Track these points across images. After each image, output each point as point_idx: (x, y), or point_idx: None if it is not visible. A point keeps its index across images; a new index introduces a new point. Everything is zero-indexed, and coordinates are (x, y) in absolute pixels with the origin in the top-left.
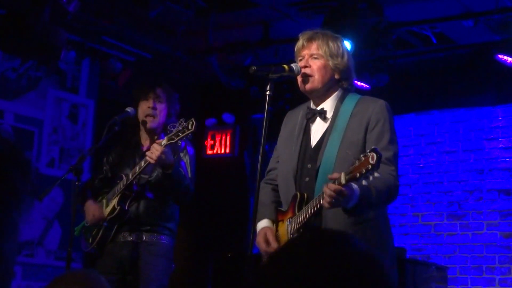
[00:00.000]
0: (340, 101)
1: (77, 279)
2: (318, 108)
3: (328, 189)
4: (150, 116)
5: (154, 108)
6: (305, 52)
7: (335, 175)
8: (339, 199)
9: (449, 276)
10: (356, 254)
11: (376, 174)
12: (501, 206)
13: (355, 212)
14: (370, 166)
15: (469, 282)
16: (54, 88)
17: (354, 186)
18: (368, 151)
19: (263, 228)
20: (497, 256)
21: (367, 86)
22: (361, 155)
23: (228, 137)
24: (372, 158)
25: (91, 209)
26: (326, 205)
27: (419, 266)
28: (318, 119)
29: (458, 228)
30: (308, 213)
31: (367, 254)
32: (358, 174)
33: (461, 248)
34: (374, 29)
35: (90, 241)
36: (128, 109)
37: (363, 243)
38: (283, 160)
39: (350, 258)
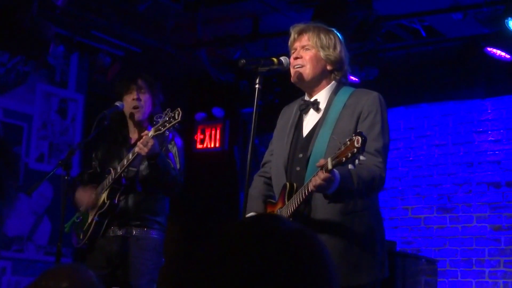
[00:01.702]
0: (334, 92)
1: (65, 273)
2: (312, 99)
3: (318, 177)
4: (136, 108)
5: (138, 99)
6: (297, 45)
7: (322, 161)
8: (326, 185)
9: (439, 269)
10: (283, 232)
11: (361, 158)
12: (491, 199)
13: (335, 198)
14: (355, 150)
15: (459, 275)
16: (43, 82)
17: (335, 171)
18: (353, 135)
19: None
20: (487, 249)
21: (357, 79)
22: (347, 140)
23: (218, 131)
24: (357, 141)
25: (85, 195)
26: (312, 187)
27: (409, 259)
28: (311, 110)
29: (447, 221)
30: (297, 201)
31: (296, 231)
32: (344, 159)
33: (451, 241)
34: (363, 22)
35: (81, 237)
36: (117, 103)
37: (293, 222)
38: (276, 152)
39: (276, 237)
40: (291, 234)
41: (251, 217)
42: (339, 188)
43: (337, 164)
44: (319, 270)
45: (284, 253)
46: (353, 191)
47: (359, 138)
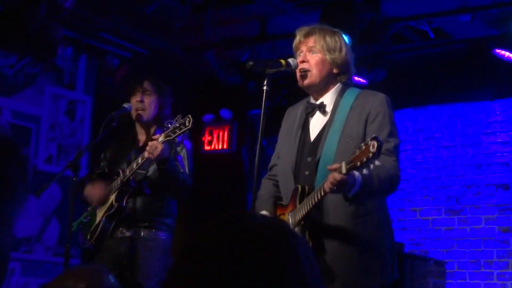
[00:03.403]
0: (340, 95)
1: (85, 274)
2: (318, 102)
3: (333, 177)
4: (140, 109)
5: (141, 101)
6: (303, 48)
7: (335, 165)
8: (340, 187)
9: (447, 270)
10: (253, 225)
11: (377, 163)
12: (499, 200)
13: (357, 200)
14: (371, 155)
15: (467, 277)
16: (51, 84)
17: (356, 174)
18: (369, 139)
19: None
20: (495, 251)
21: (364, 81)
22: (362, 144)
23: (226, 133)
24: (373, 146)
25: (95, 190)
26: (327, 189)
27: (417, 261)
28: (317, 113)
29: (456, 222)
30: (309, 204)
31: (266, 224)
32: (359, 163)
33: (459, 243)
34: (371, 24)
35: (88, 237)
36: (125, 105)
37: (264, 216)
38: (282, 155)
39: (247, 230)
40: (262, 227)
41: (223, 215)
42: (361, 189)
43: (352, 168)
44: (292, 263)
45: (255, 246)
46: (374, 191)
47: (375, 142)
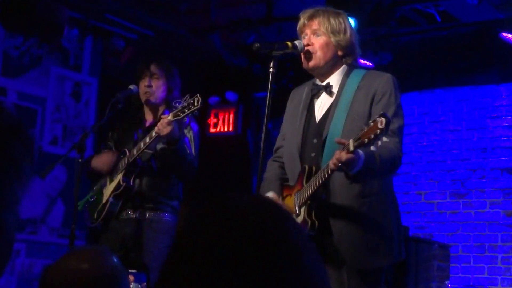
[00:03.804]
0: (346, 75)
1: (88, 255)
2: (324, 83)
3: (339, 154)
4: (148, 94)
5: (149, 86)
6: (307, 31)
7: (344, 140)
8: (346, 165)
9: (451, 254)
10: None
11: (384, 139)
12: (504, 184)
13: (357, 178)
14: (379, 131)
15: (472, 260)
16: (56, 66)
17: (360, 152)
18: (377, 116)
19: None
20: (500, 234)
21: (371, 64)
22: (370, 121)
23: (231, 115)
24: (381, 122)
25: (102, 158)
26: (332, 166)
27: (421, 244)
28: (323, 94)
29: (461, 206)
30: (316, 183)
31: (252, 203)
32: (366, 140)
33: (464, 227)
34: (378, 7)
35: (95, 216)
36: (131, 87)
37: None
38: (288, 137)
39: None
40: (248, 206)
41: (213, 199)
42: (363, 168)
43: (359, 145)
44: (280, 240)
45: (241, 226)
46: (375, 171)
47: (383, 119)
